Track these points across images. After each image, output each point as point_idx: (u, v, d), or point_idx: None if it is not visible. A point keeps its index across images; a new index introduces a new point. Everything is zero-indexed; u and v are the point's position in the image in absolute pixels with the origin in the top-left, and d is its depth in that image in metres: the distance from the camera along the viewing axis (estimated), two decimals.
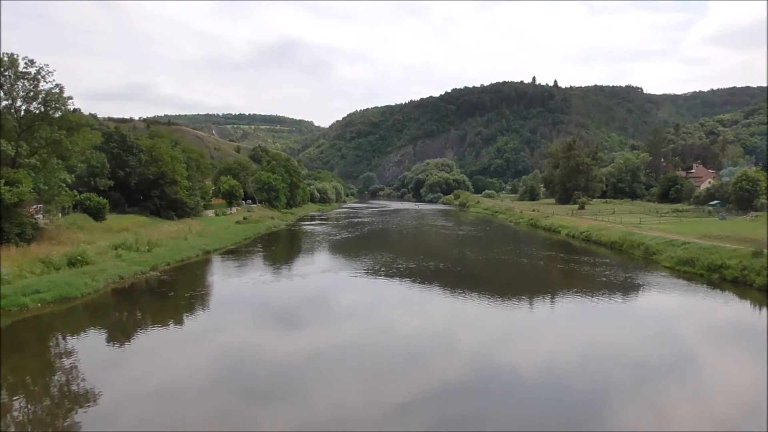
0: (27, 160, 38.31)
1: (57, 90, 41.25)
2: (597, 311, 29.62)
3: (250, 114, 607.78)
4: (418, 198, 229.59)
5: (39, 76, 40.53)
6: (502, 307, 30.82)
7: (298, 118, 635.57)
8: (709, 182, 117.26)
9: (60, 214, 46.45)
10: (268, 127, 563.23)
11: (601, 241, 58.49)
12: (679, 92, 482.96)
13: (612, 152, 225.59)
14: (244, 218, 78.25)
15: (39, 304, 27.45)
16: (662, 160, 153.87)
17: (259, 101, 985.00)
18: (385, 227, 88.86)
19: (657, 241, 48.94)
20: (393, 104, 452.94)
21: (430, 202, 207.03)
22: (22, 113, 41.33)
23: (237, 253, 52.03)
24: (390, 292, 35.07)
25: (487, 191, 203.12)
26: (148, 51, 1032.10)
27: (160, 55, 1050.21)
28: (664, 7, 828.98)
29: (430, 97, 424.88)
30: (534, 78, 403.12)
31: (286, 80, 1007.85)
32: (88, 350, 22.22)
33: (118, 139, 62.48)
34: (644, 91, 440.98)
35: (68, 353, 22.33)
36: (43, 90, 40.92)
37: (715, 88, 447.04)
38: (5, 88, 40.11)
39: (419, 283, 37.49)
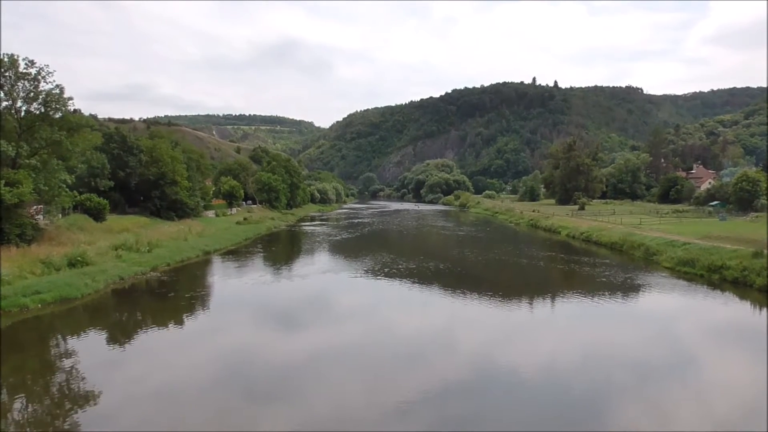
0: (27, 161, 38.33)
1: (57, 91, 41.31)
2: (597, 311, 29.61)
3: (250, 114, 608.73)
4: (419, 199, 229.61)
5: (39, 77, 40.58)
6: (502, 308, 30.81)
7: (298, 118, 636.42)
8: (710, 183, 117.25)
9: (60, 215, 46.47)
10: (268, 127, 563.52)
11: (601, 242, 58.49)
12: (679, 93, 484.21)
13: (612, 153, 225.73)
14: (245, 219, 78.27)
15: (39, 305, 27.44)
16: (662, 160, 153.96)
17: (259, 102, 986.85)
18: (385, 228, 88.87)
19: (657, 241, 48.94)
20: (393, 105, 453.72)
21: (431, 202, 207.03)
22: (23, 114, 41.37)
23: (237, 253, 52.04)
24: (390, 293, 35.07)
25: (487, 192, 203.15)
26: (148, 51, 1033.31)
27: (160, 56, 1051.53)
28: (664, 7, 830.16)
29: (430, 97, 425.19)
30: (534, 78, 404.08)
31: (286, 80, 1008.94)
32: (89, 351, 22.22)
33: (119, 140, 62.52)
34: (644, 92, 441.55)
35: (68, 354, 22.33)
36: (44, 91, 40.97)
37: (715, 89, 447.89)
38: (5, 88, 40.14)
39: (419, 283, 37.48)
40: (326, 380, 18.73)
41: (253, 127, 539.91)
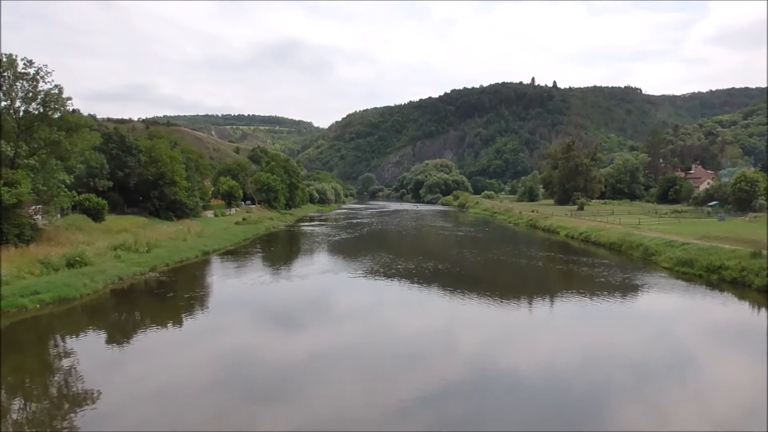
0: (26, 161, 38.26)
1: (56, 90, 41.23)
2: (596, 312, 29.63)
3: (249, 115, 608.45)
4: (417, 199, 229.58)
5: (38, 77, 40.49)
6: (501, 308, 30.82)
7: (297, 118, 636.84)
8: (708, 183, 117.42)
9: (59, 215, 46.40)
10: (267, 127, 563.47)
11: (600, 242, 58.54)
12: (678, 93, 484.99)
13: (611, 153, 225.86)
14: (243, 219, 78.22)
15: (38, 305, 27.42)
16: (661, 160, 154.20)
17: (258, 102, 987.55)
18: (383, 228, 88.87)
19: (656, 241, 48.99)
20: (392, 105, 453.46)
21: (429, 202, 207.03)
22: (21, 114, 41.28)
23: (236, 254, 52.02)
24: (389, 293, 35.06)
25: (486, 192, 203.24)
26: (147, 51, 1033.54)
27: (160, 56, 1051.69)
28: (664, 7, 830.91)
29: (429, 98, 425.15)
30: (533, 79, 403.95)
31: (286, 81, 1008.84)
32: (87, 351, 22.21)
33: (117, 140, 62.46)
34: (643, 92, 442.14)
35: (67, 354, 22.32)
36: (42, 90, 40.88)
37: (714, 89, 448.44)
38: (4, 88, 40.06)
39: (418, 283, 37.48)
40: (326, 381, 18.73)
41: (252, 128, 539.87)
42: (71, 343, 23.75)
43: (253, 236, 66.90)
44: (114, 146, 61.21)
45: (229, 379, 18.94)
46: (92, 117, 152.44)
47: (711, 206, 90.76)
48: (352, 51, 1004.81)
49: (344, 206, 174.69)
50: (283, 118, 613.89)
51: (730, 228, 56.13)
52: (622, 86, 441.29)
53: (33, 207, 42.07)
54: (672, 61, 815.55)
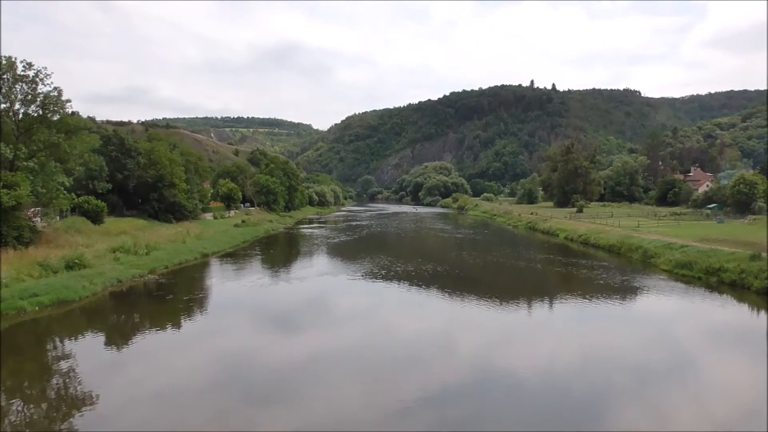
0: (25, 163, 38.25)
1: (55, 93, 41.24)
2: (595, 314, 29.62)
3: (248, 117, 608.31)
4: (417, 201, 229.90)
5: (37, 79, 40.50)
6: (500, 310, 30.81)
7: (296, 121, 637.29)
8: (707, 185, 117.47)
9: (58, 217, 46.36)
10: (266, 130, 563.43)
11: (599, 245, 58.55)
12: (677, 96, 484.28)
13: (610, 155, 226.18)
14: (243, 221, 78.19)
15: (37, 308, 27.38)
16: (660, 163, 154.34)
17: (258, 104, 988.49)
18: (383, 230, 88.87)
19: (655, 244, 49.01)
20: (391, 107, 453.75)
21: (429, 205, 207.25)
22: (21, 116, 41.28)
23: (235, 256, 51.99)
24: (388, 295, 35.05)
25: (485, 194, 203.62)
26: (147, 53, 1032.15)
27: (160, 58, 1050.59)
28: (662, 11, 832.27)
29: (429, 100, 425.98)
30: (532, 81, 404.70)
31: (286, 83, 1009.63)
32: (87, 353, 22.17)
33: (117, 142, 62.46)
34: (642, 95, 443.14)
35: (66, 356, 22.26)
36: (42, 93, 40.90)
37: (712, 92, 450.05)
38: (3, 91, 40.06)
39: (417, 286, 37.47)
40: (325, 383, 18.71)
41: (251, 130, 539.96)
42: (70, 345, 23.70)
43: (253, 238, 66.88)
44: (113, 148, 61.21)
45: (228, 381, 18.91)
46: (91, 119, 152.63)
47: (710, 209, 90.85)
48: (352, 54, 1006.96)
49: (343, 209, 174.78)
50: (282, 121, 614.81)
51: (729, 230, 56.17)
52: (621, 89, 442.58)
53: (32, 209, 42.07)
54: (671, 64, 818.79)
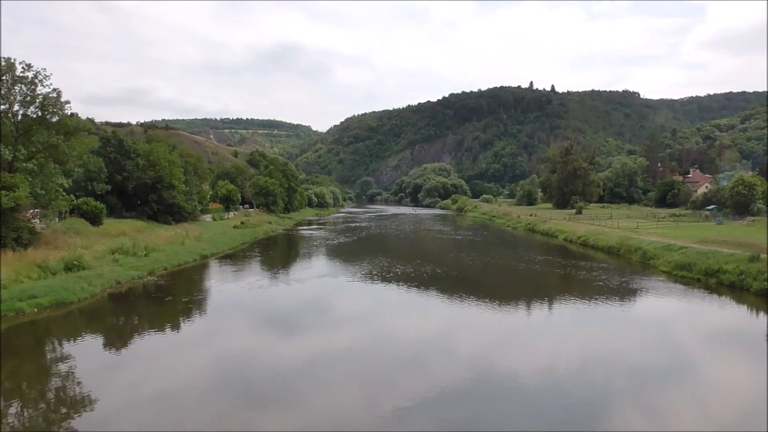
0: (24, 165, 38.22)
1: (54, 94, 41.18)
2: (595, 316, 29.62)
3: (247, 118, 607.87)
4: (416, 203, 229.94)
5: (36, 80, 40.44)
6: (499, 312, 30.79)
7: (296, 122, 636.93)
8: (706, 187, 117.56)
9: (57, 219, 46.33)
10: (266, 131, 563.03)
11: (598, 246, 58.57)
12: (675, 97, 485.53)
13: (609, 157, 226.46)
14: (242, 223, 78.15)
15: (35, 309, 27.34)
16: (659, 164, 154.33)
17: (257, 106, 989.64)
18: (382, 232, 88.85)
19: (654, 245, 49.03)
20: (391, 109, 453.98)
21: (428, 206, 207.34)
22: (20, 117, 41.21)
23: (234, 257, 51.96)
24: (388, 297, 35.06)
25: (484, 196, 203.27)
26: (147, 55, 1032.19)
27: (159, 59, 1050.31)
28: (662, 12, 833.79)
29: (428, 101, 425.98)
30: (531, 83, 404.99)
31: (285, 85, 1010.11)
32: (85, 355, 22.13)
33: (116, 144, 62.42)
34: (641, 96, 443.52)
35: (65, 358, 22.21)
36: (41, 94, 40.83)
37: (711, 93, 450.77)
38: (3, 92, 39.98)
39: (417, 287, 37.48)
40: (324, 385, 18.70)
41: (250, 131, 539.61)
42: (69, 347, 23.65)
43: (252, 240, 66.85)
44: (112, 150, 61.17)
45: (227, 382, 18.89)
46: (90, 121, 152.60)
47: (709, 210, 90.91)
48: (351, 55, 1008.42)
49: (342, 210, 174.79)
50: (281, 122, 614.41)
51: (728, 232, 56.22)
52: (620, 90, 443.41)
53: (31, 211, 41.98)
54: (670, 65, 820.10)
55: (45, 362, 21.92)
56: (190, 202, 70.93)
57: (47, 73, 40.92)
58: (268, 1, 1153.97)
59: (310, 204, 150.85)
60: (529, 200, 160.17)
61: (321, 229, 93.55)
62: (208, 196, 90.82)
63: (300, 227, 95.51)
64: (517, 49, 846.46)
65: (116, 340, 24.69)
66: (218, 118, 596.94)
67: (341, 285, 38.82)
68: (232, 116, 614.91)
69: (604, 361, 21.76)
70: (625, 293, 35.01)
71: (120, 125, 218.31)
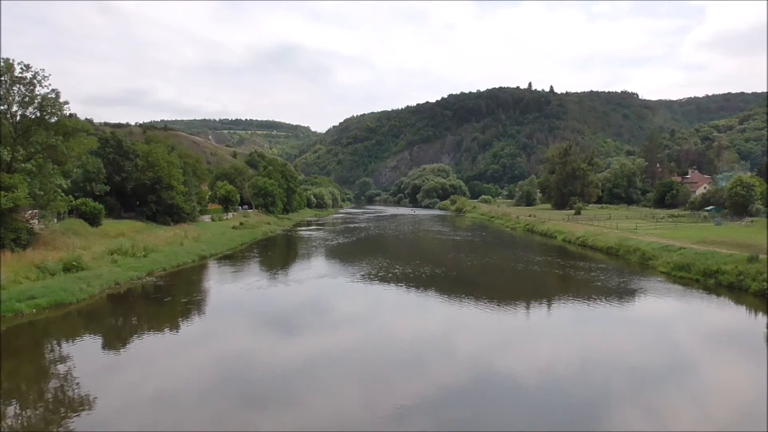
0: (23, 165, 38.20)
1: (53, 95, 41.15)
2: (594, 316, 29.63)
3: (246, 119, 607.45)
4: (415, 203, 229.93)
5: (35, 81, 40.41)
6: (498, 313, 30.80)
7: (295, 123, 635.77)
8: (705, 188, 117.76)
9: (55, 220, 46.27)
10: (264, 132, 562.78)
11: (597, 247, 58.60)
12: (674, 98, 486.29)
13: (608, 158, 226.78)
14: (241, 224, 78.10)
15: (34, 310, 27.30)
16: (658, 165, 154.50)
17: (256, 106, 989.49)
18: (381, 232, 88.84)
19: (653, 246, 49.07)
20: (389, 110, 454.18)
21: (427, 207, 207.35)
22: (18, 118, 41.16)
23: (233, 258, 51.92)
24: (387, 298, 35.05)
25: (483, 197, 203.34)
26: (146, 56, 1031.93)
27: (159, 60, 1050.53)
28: (661, 13, 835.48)
29: (427, 102, 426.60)
30: (530, 84, 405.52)
31: (284, 85, 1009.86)
32: (84, 356, 22.11)
33: (114, 144, 62.33)
34: (640, 97, 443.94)
35: (64, 359, 22.20)
36: (39, 95, 40.79)
37: (710, 94, 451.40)
38: (1, 93, 39.94)
39: (416, 288, 37.48)
40: (323, 385, 18.69)
41: (249, 132, 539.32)
42: (67, 348, 23.63)
43: (251, 241, 66.82)
44: (111, 150, 61.10)
45: (226, 383, 18.88)
46: (89, 121, 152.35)
47: (708, 211, 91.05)
48: (351, 55, 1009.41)
49: (341, 211, 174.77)
50: (280, 123, 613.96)
51: (726, 232, 56.28)
52: (619, 91, 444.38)
53: (29, 211, 41.94)
54: (668, 66, 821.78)
55: (44, 363, 21.88)
56: (189, 203, 70.86)
57: (46, 74, 40.94)
58: (268, 2, 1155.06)
59: (309, 205, 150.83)
60: (528, 201, 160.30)
61: (320, 229, 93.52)
62: (207, 196, 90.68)
63: (299, 228, 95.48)
64: (516, 49, 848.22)
65: (115, 340, 24.66)
66: (217, 119, 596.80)
67: (340, 286, 38.80)
68: (231, 117, 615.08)
69: (603, 362, 21.77)
70: (624, 294, 35.03)
71: (119, 126, 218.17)
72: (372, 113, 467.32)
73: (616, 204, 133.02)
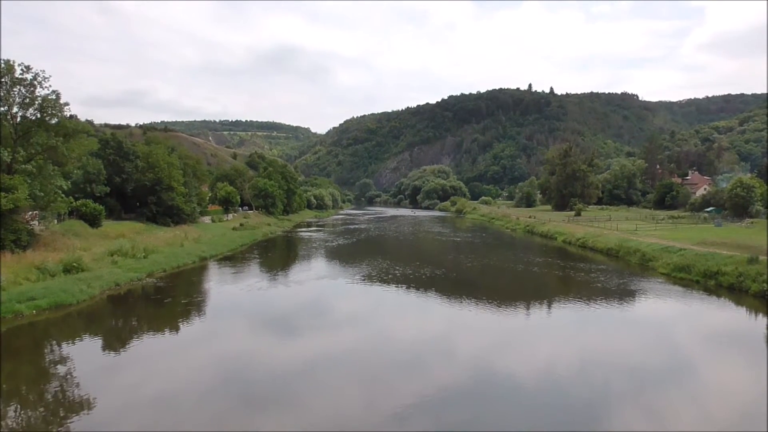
0: (23, 167, 38.24)
1: (53, 96, 41.18)
2: (594, 317, 29.62)
3: (246, 120, 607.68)
4: (415, 205, 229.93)
5: (35, 82, 40.44)
6: (498, 314, 30.81)
7: (295, 124, 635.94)
8: (705, 189, 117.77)
9: (56, 221, 46.29)
10: (265, 133, 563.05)
11: (597, 248, 58.59)
12: (674, 99, 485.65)
13: (608, 159, 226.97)
14: (241, 225, 78.12)
15: (34, 311, 27.30)
16: (658, 166, 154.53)
17: (256, 108, 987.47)
18: (381, 234, 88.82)
19: (653, 247, 49.06)
20: (390, 111, 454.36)
21: (427, 208, 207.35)
22: (19, 119, 41.20)
23: (233, 259, 51.92)
24: (387, 299, 35.04)
25: (483, 198, 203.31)
26: (146, 57, 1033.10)
27: (159, 61, 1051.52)
28: (661, 14, 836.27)
29: (427, 103, 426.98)
30: (530, 85, 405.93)
31: (284, 87, 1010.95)
32: (84, 357, 22.12)
33: (115, 146, 62.40)
34: (640, 98, 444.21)
35: (63, 360, 22.21)
36: (40, 96, 40.82)
37: (710, 95, 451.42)
38: (2, 94, 39.95)
39: (416, 289, 37.49)
40: (323, 386, 18.69)
41: (249, 133, 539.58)
42: (67, 349, 23.63)
43: (251, 242, 66.81)
44: (111, 152, 61.16)
45: (226, 384, 18.88)
46: (89, 122, 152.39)
47: (708, 212, 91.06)
48: (351, 57, 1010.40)
49: (342, 212, 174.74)
50: (280, 124, 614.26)
51: (726, 234, 56.26)
52: (619, 92, 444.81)
53: (30, 212, 41.95)
54: (669, 67, 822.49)
55: (44, 364, 21.89)
56: (189, 204, 70.89)
57: (46, 75, 40.98)
58: (267, 2, 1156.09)
59: (309, 206, 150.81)
60: (528, 202, 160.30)
61: (320, 230, 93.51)
62: (207, 197, 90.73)
63: (299, 229, 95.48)
64: (516, 51, 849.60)
65: (115, 341, 24.66)
66: (217, 120, 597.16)
67: (340, 287, 38.80)
68: (231, 118, 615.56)
69: (603, 362, 21.77)
70: (624, 295, 35.03)
71: (119, 127, 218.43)
72: (372, 114, 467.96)
73: (616, 205, 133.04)
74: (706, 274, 37.60)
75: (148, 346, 23.96)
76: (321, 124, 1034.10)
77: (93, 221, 51.14)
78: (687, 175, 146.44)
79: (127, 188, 62.80)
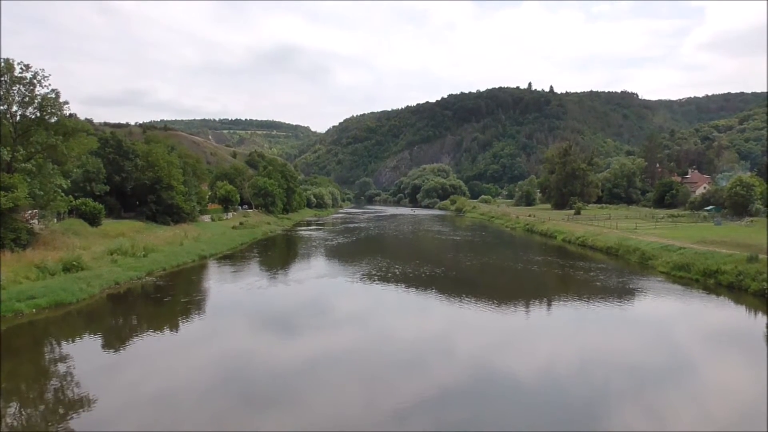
0: (23, 165, 38.19)
1: (53, 95, 41.15)
2: (594, 316, 29.62)
3: (246, 119, 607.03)
4: (415, 203, 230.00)
5: (35, 81, 40.41)
6: (498, 313, 30.80)
7: (294, 123, 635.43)
8: (705, 188, 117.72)
9: (55, 220, 46.26)
10: (264, 132, 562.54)
11: (597, 246, 58.60)
12: (674, 98, 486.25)
13: (608, 158, 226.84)
14: (241, 223, 78.13)
15: (34, 310, 27.30)
16: (658, 165, 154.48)
17: (256, 107, 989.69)
18: (381, 232, 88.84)
19: (652, 246, 49.07)
20: (390, 110, 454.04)
21: (427, 207, 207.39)
22: (18, 118, 41.17)
23: (233, 258, 51.92)
24: (387, 298, 35.03)
25: (483, 196, 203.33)
26: (146, 56, 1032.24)
27: (158, 61, 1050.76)
28: (661, 14, 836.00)
29: (427, 102, 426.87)
30: (530, 84, 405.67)
31: (284, 86, 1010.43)
32: (84, 356, 22.11)
33: (114, 144, 62.36)
34: (639, 97, 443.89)
35: (63, 359, 22.21)
36: (39, 95, 40.79)
37: (710, 94, 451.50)
38: (1, 93, 39.95)
39: (416, 288, 37.50)
40: (324, 385, 18.69)
41: (249, 132, 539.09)
42: (67, 347, 23.64)
43: (251, 241, 66.82)
44: (111, 150, 61.12)
45: (226, 383, 18.88)
46: (89, 121, 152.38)
47: (707, 211, 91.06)
48: (350, 56, 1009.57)
49: (341, 211, 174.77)
50: (280, 123, 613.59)
51: (726, 232, 56.28)
52: (619, 91, 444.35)
53: (29, 211, 41.94)
54: (668, 66, 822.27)
55: (44, 363, 21.89)
56: (189, 203, 70.86)
57: (46, 74, 40.96)
58: (267, 2, 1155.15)
59: (308, 205, 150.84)
60: (528, 201, 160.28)
61: (320, 229, 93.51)
62: (207, 196, 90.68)
63: (299, 228, 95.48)
64: (516, 50, 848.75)
65: (115, 340, 24.65)
66: (217, 119, 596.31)
67: (340, 285, 38.80)
68: (231, 117, 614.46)
69: (603, 361, 21.77)
70: (624, 293, 35.03)
71: (119, 126, 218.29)
72: (372, 113, 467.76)
73: (615, 204, 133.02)
74: (706, 272, 37.60)
75: (147, 344, 23.97)
76: (321, 123, 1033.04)
77: (93, 220, 51.12)
78: (687, 173, 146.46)
79: (127, 187, 62.77)
